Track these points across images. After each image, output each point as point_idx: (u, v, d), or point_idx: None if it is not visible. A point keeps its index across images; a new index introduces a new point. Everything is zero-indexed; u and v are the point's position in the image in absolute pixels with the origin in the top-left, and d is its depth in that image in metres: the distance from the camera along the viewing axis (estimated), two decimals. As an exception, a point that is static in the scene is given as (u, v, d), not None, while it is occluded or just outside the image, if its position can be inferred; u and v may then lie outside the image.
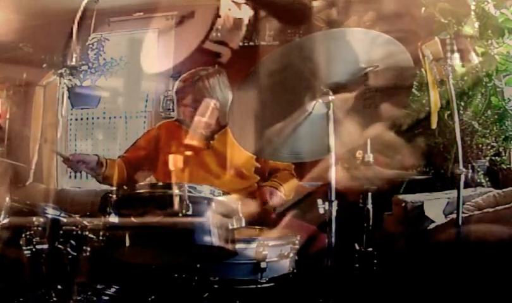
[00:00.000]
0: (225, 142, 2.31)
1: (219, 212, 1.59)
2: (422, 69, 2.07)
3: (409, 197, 2.40)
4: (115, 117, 4.41)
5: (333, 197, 1.54)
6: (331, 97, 1.57)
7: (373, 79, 1.56)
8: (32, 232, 1.68)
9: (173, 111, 3.84)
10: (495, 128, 2.66)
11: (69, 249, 1.66)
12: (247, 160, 2.29)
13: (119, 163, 2.38)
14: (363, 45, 1.50)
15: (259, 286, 1.72)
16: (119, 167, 2.35)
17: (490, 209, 2.15)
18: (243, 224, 1.64)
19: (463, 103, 2.63)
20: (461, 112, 2.62)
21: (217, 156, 2.30)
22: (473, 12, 2.49)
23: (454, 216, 1.97)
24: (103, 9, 3.68)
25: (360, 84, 1.57)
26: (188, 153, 2.17)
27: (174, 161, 1.91)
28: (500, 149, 2.70)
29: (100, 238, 1.58)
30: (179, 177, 1.89)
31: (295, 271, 1.82)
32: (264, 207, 2.18)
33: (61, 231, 1.70)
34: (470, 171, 2.57)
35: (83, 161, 2.21)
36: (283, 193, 2.25)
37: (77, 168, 2.25)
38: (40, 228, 1.69)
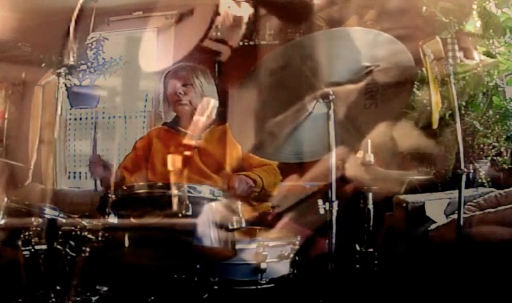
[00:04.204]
0: (213, 141, 2.31)
1: (219, 212, 1.58)
2: (423, 69, 2.06)
3: (410, 198, 2.40)
4: (114, 117, 4.40)
5: (334, 198, 1.53)
6: (332, 97, 1.56)
7: (374, 79, 1.55)
8: (31, 233, 1.68)
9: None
10: (496, 128, 2.65)
11: (68, 250, 1.65)
12: (236, 158, 2.29)
13: (125, 174, 2.37)
14: (363, 45, 1.50)
15: (259, 287, 1.71)
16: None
17: (492, 210, 2.14)
18: (243, 224, 1.63)
19: (464, 103, 2.62)
20: (463, 111, 2.62)
21: (205, 156, 2.29)
22: (474, 12, 2.48)
23: (456, 216, 1.96)
24: (102, 8, 3.68)
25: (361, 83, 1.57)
26: (181, 154, 2.17)
27: (168, 163, 1.90)
28: (502, 149, 2.69)
29: (99, 238, 1.57)
30: (173, 178, 1.89)
31: (295, 271, 1.81)
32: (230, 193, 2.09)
33: (60, 232, 1.69)
34: (472, 171, 2.56)
35: (105, 165, 2.19)
36: (258, 185, 2.18)
37: (99, 174, 2.20)
38: (38, 229, 1.68)
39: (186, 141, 2.22)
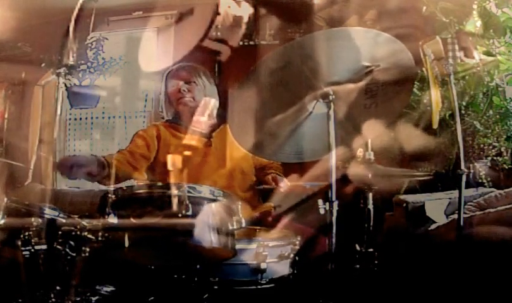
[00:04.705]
0: (224, 140, 2.31)
1: (219, 212, 1.57)
2: (423, 69, 2.06)
3: (411, 198, 2.39)
4: (114, 117, 4.40)
5: (334, 198, 1.53)
6: (332, 96, 1.56)
7: (374, 79, 1.55)
8: (31, 233, 1.67)
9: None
10: (496, 128, 2.65)
11: (67, 250, 1.64)
12: (247, 155, 2.30)
13: (120, 158, 2.32)
14: (364, 44, 1.50)
15: (259, 287, 1.71)
16: (122, 163, 2.29)
17: (492, 210, 2.13)
18: (243, 224, 1.63)
19: (464, 103, 2.62)
20: (463, 111, 2.61)
21: (218, 154, 2.30)
22: (474, 11, 2.48)
23: (456, 216, 1.96)
24: (102, 8, 3.68)
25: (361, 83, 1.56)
26: (188, 152, 2.17)
27: (174, 162, 1.90)
28: (502, 149, 2.69)
29: (99, 238, 1.56)
30: (180, 177, 1.88)
31: (295, 271, 1.81)
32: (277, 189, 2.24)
33: (60, 232, 1.68)
34: (472, 171, 2.56)
35: (76, 164, 2.01)
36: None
37: (73, 175, 2.01)
38: (38, 229, 1.68)
39: (195, 140, 2.22)
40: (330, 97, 1.56)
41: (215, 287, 1.69)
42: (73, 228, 1.65)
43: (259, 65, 1.52)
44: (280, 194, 2.25)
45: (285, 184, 2.27)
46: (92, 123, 4.46)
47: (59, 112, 1.68)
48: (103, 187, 2.24)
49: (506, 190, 2.35)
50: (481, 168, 2.64)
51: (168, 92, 2.42)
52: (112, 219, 1.52)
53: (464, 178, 1.88)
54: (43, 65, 3.86)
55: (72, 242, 1.65)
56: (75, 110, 4.24)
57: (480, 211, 2.21)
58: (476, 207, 2.28)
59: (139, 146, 2.37)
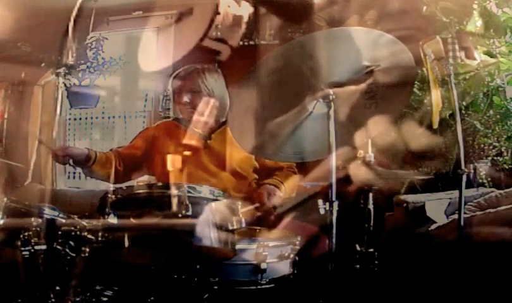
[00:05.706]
0: (223, 142, 2.29)
1: (219, 212, 1.57)
2: (424, 69, 2.05)
3: (411, 198, 2.39)
4: (114, 117, 4.39)
5: (334, 198, 1.52)
6: (332, 96, 1.56)
7: (374, 79, 1.55)
8: (30, 233, 1.67)
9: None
10: (497, 128, 2.65)
11: (67, 250, 1.65)
12: (245, 159, 2.28)
13: (109, 155, 2.33)
14: (364, 44, 1.50)
15: (259, 287, 1.71)
16: (108, 160, 2.30)
17: (492, 210, 2.13)
18: (243, 225, 1.63)
19: (464, 103, 2.62)
20: (463, 111, 2.61)
21: (214, 156, 2.28)
22: (475, 11, 2.48)
23: (456, 216, 1.96)
24: (102, 7, 3.66)
25: (361, 83, 1.56)
26: (186, 152, 2.16)
27: (172, 161, 1.89)
28: (503, 149, 2.69)
29: (99, 239, 1.57)
30: (176, 177, 1.88)
31: (295, 272, 1.80)
32: (262, 209, 2.15)
33: (60, 232, 1.68)
34: (472, 171, 2.55)
35: (69, 155, 2.19)
36: (283, 192, 2.22)
37: (64, 162, 2.24)
38: (38, 229, 1.68)
39: (195, 140, 2.21)
40: (330, 97, 1.56)
41: (215, 287, 1.68)
42: (72, 228, 1.65)
43: (259, 65, 1.52)
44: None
45: (276, 200, 2.15)
46: (92, 123, 4.46)
47: (58, 111, 1.68)
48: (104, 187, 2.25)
49: (507, 190, 2.35)
50: (481, 168, 2.64)
51: (175, 96, 2.41)
52: (112, 220, 1.52)
53: (464, 178, 1.88)
54: (43, 65, 3.86)
55: (72, 242, 1.65)
56: (75, 110, 4.24)
57: (481, 211, 2.21)
58: (477, 208, 2.28)
59: (132, 147, 2.42)
